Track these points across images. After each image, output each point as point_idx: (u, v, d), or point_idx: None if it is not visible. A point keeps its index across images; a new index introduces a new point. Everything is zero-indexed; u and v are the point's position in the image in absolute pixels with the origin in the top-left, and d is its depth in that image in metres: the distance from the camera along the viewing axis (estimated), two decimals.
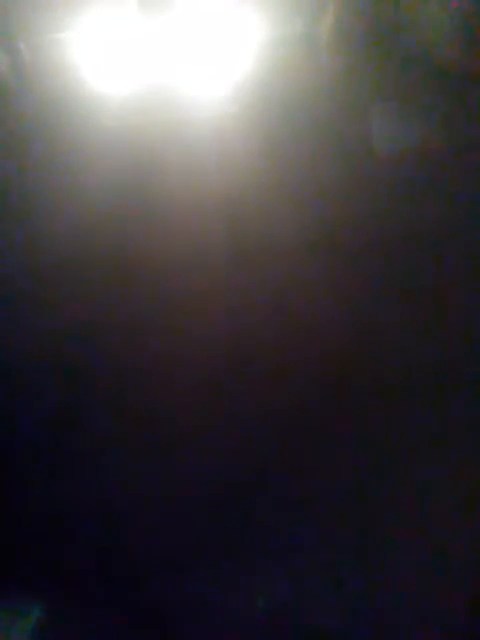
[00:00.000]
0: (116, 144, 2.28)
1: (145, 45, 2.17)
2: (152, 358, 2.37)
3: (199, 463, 2.32)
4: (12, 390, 2.41)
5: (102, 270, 2.35)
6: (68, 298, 2.37)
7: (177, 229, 2.31)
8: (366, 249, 2.31)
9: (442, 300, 2.31)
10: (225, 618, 2.22)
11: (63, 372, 2.38)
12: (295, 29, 2.18)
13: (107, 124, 2.28)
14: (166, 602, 2.26)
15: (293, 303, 2.33)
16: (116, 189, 2.31)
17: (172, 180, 2.30)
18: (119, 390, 2.38)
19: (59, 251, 2.36)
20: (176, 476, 2.31)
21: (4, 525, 2.32)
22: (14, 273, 2.39)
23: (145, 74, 2.21)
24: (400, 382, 2.33)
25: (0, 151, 2.34)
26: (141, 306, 2.37)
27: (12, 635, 2.08)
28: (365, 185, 2.31)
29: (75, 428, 2.37)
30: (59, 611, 2.18)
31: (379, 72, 2.24)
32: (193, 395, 2.35)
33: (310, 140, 2.32)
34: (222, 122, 2.28)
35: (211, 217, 2.32)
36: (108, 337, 2.36)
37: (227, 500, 2.29)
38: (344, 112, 2.32)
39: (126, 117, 2.27)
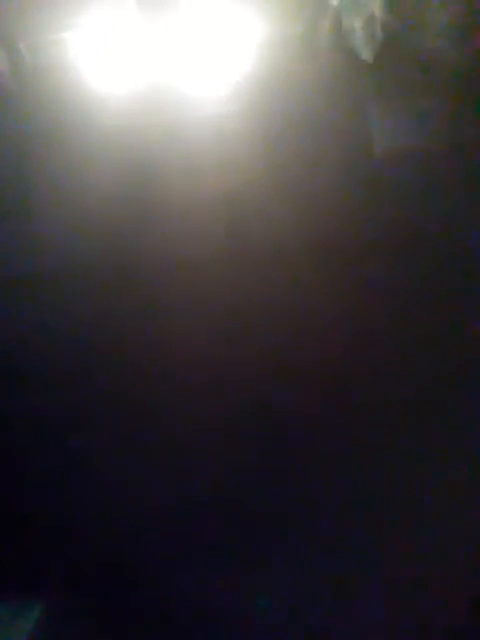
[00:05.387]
0: (116, 144, 2.28)
1: (145, 45, 2.17)
2: (152, 358, 2.36)
3: (199, 464, 2.32)
4: (13, 391, 2.42)
5: (102, 270, 2.35)
6: (68, 298, 2.37)
7: (177, 228, 2.31)
8: (366, 248, 2.31)
9: (442, 299, 2.31)
10: (225, 618, 2.22)
11: (64, 372, 2.39)
12: (295, 29, 2.18)
13: (107, 124, 2.28)
14: (166, 602, 2.26)
15: (293, 303, 2.33)
16: (116, 188, 2.31)
17: (172, 179, 2.30)
18: (119, 390, 2.38)
19: (60, 251, 2.36)
20: (176, 477, 2.32)
21: (4, 525, 2.32)
22: (15, 274, 2.39)
23: (145, 74, 2.21)
24: (400, 382, 2.33)
25: (0, 151, 2.34)
26: (141, 305, 2.37)
27: (12, 635, 2.08)
28: (365, 185, 2.30)
29: (76, 429, 2.37)
30: (59, 611, 2.18)
31: (379, 72, 2.24)
32: (193, 396, 2.35)
33: (310, 140, 2.32)
34: (222, 122, 2.28)
35: (211, 216, 2.32)
36: (108, 337, 2.36)
37: (227, 501, 2.29)
38: (344, 112, 2.32)
39: (126, 117, 2.27)
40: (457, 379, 2.31)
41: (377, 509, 2.24)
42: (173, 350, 2.35)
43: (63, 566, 2.26)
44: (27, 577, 2.25)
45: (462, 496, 2.20)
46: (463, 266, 2.33)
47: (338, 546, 2.25)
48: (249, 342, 2.35)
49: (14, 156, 2.35)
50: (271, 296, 2.34)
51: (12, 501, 2.35)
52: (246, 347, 2.35)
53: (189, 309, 2.34)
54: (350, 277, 2.32)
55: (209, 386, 2.35)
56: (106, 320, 2.36)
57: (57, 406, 2.39)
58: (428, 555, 2.18)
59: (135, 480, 2.32)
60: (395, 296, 2.33)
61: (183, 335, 2.34)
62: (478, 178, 2.31)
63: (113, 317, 2.36)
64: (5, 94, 2.28)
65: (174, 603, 2.25)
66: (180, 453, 2.33)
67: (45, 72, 2.24)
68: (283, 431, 2.34)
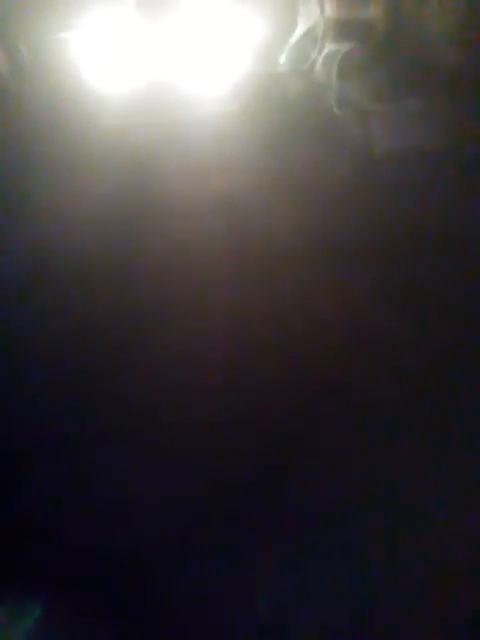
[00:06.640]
0: (116, 144, 2.28)
1: (145, 45, 2.17)
2: (151, 359, 2.36)
3: (199, 464, 2.32)
4: (12, 390, 2.42)
5: (102, 270, 2.35)
6: (68, 299, 2.37)
7: (177, 229, 2.31)
8: (366, 249, 2.31)
9: (443, 301, 2.31)
10: (225, 619, 2.22)
11: (62, 373, 2.38)
12: (295, 29, 2.18)
13: (107, 124, 2.28)
14: (166, 602, 2.26)
15: (293, 304, 2.33)
16: (116, 189, 2.31)
17: (172, 180, 2.30)
18: (118, 391, 2.38)
19: (59, 251, 2.35)
20: (176, 477, 2.32)
21: (4, 525, 2.32)
22: (14, 274, 2.39)
23: (145, 74, 2.21)
24: (401, 384, 2.33)
25: (0, 151, 2.34)
26: (141, 306, 2.37)
27: (12, 635, 2.08)
28: (365, 185, 2.30)
29: (75, 429, 2.37)
30: (59, 611, 2.18)
31: (379, 72, 2.24)
32: (193, 396, 2.35)
33: (310, 140, 2.32)
34: (222, 121, 2.28)
35: (211, 217, 2.32)
36: (107, 338, 2.36)
37: (227, 501, 2.29)
38: (344, 112, 2.32)
39: (126, 117, 2.27)
40: (458, 379, 2.31)
41: (379, 509, 2.24)
42: (173, 350, 2.35)
43: (63, 566, 2.26)
44: (27, 577, 2.25)
45: (465, 496, 2.20)
46: (464, 266, 2.33)
47: (339, 546, 2.25)
48: (250, 342, 2.35)
49: (14, 156, 2.35)
50: (271, 296, 2.34)
51: (12, 501, 2.35)
52: (247, 347, 2.35)
53: (189, 309, 2.34)
54: (351, 277, 2.32)
55: (210, 386, 2.36)
56: (105, 320, 2.36)
57: (55, 406, 2.39)
58: (430, 554, 2.18)
59: (135, 480, 2.32)
60: (396, 296, 2.34)
61: (183, 335, 2.35)
62: (478, 178, 2.31)
63: (112, 317, 2.36)
64: (5, 94, 2.28)
65: (174, 603, 2.25)
66: (181, 453, 2.33)
67: (45, 72, 2.24)
68: (284, 431, 2.34)
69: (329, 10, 2.10)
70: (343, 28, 2.13)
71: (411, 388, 2.33)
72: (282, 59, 2.19)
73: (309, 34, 2.15)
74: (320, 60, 2.19)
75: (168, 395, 2.35)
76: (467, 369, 2.32)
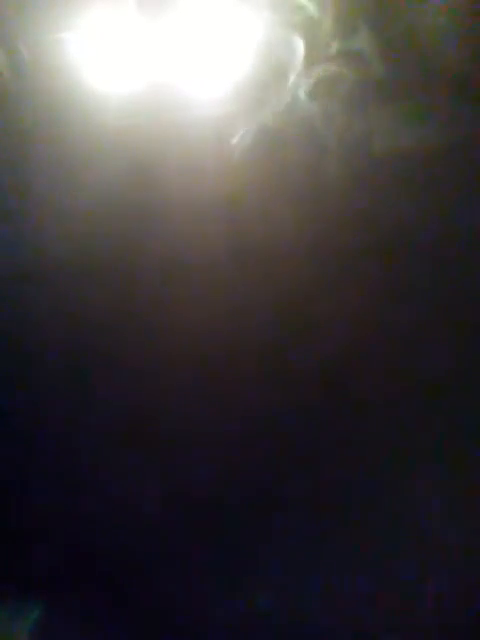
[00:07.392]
0: (115, 144, 2.28)
1: (145, 45, 2.17)
2: (151, 359, 2.37)
3: (199, 464, 2.32)
4: (12, 390, 2.42)
5: (101, 271, 2.36)
6: (67, 299, 2.38)
7: (176, 230, 2.31)
8: (366, 251, 2.31)
9: (443, 301, 2.31)
10: (225, 619, 2.23)
11: (62, 372, 2.39)
12: (295, 29, 2.17)
13: (107, 124, 2.28)
14: (166, 602, 2.27)
15: (293, 304, 2.33)
16: (115, 189, 2.31)
17: (171, 181, 2.30)
18: (118, 390, 2.38)
19: (59, 252, 2.36)
20: (176, 476, 2.32)
21: (4, 525, 2.32)
22: (13, 274, 2.40)
23: (145, 74, 2.21)
24: (401, 385, 2.33)
25: (0, 151, 2.34)
26: (140, 307, 2.37)
27: (12, 635, 2.09)
28: (365, 186, 2.30)
29: (74, 428, 2.37)
30: (59, 611, 2.19)
31: (379, 72, 2.24)
32: (193, 396, 2.35)
33: (310, 140, 2.32)
34: (222, 122, 2.27)
35: (210, 218, 2.32)
36: (106, 338, 2.37)
37: (226, 501, 2.30)
38: (344, 111, 2.32)
39: (126, 117, 2.26)
40: (457, 379, 2.32)
41: (378, 509, 2.24)
42: (173, 351, 2.35)
43: (63, 566, 2.27)
44: (27, 577, 2.25)
45: (466, 495, 2.20)
46: (463, 267, 2.33)
47: (339, 546, 2.25)
48: (250, 343, 2.35)
49: (13, 156, 2.35)
50: (271, 297, 2.34)
51: (12, 501, 2.36)
52: (247, 348, 2.35)
53: (189, 310, 2.35)
54: (351, 278, 2.32)
55: (209, 386, 2.36)
56: (104, 320, 2.36)
57: (55, 405, 2.39)
58: (429, 554, 2.19)
59: (135, 480, 2.33)
60: (396, 297, 2.34)
61: (183, 336, 2.35)
62: (478, 178, 2.31)
63: (111, 317, 2.36)
64: (5, 94, 2.28)
65: (175, 603, 2.26)
66: (180, 453, 2.34)
67: (45, 72, 2.23)
68: (284, 431, 2.35)
69: (318, 44, 2.10)
70: (333, 59, 2.13)
71: (411, 388, 2.33)
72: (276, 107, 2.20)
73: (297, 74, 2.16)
74: (305, 91, 2.19)
75: (167, 395, 2.36)
76: (467, 370, 2.33)
